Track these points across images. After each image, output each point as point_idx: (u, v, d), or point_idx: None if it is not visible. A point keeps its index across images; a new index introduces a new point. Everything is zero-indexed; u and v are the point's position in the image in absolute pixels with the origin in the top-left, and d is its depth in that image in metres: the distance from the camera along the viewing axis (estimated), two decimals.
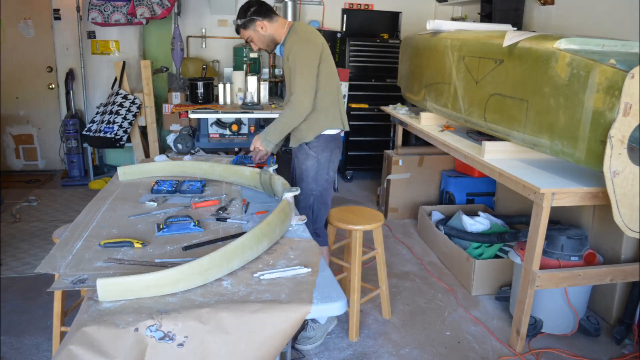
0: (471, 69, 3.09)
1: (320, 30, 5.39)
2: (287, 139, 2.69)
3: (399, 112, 4.23)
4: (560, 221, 3.07)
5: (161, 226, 1.93)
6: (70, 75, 5.17)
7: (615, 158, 2.14)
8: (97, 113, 4.88)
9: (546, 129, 2.47)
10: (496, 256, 3.22)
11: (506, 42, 2.73)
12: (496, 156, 2.81)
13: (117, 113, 4.73)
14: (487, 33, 3.14)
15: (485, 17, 4.52)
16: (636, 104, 2.05)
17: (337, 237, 3.11)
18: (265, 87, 4.54)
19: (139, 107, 4.84)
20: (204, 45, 5.45)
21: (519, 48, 2.66)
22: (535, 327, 2.65)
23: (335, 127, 2.62)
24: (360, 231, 2.59)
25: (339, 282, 1.68)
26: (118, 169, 2.57)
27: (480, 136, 3.23)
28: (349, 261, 2.66)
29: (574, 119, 2.29)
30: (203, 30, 5.40)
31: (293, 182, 2.73)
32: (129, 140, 4.84)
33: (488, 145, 2.83)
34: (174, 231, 1.90)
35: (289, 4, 4.92)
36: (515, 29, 3.32)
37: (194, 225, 1.93)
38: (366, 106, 5.38)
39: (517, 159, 2.79)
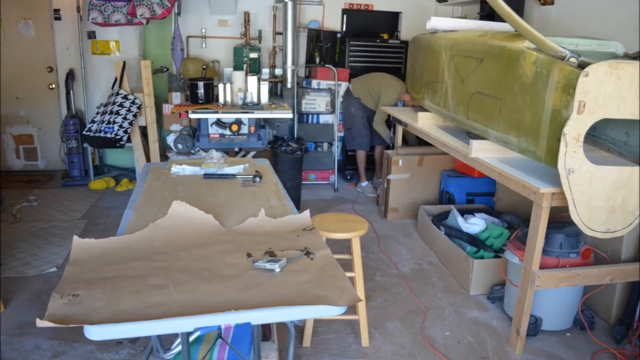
0: (459, 67, 3.08)
1: (320, 31, 5.41)
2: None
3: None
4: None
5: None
6: (70, 76, 5.17)
7: (570, 156, 2.12)
8: (97, 113, 4.88)
9: (514, 126, 2.46)
10: (496, 256, 3.22)
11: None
12: (484, 154, 2.80)
13: (117, 113, 4.73)
14: (474, 32, 3.13)
15: (486, 17, 4.52)
16: (590, 102, 2.05)
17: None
18: (265, 87, 4.54)
19: (139, 107, 4.84)
20: (204, 45, 5.45)
21: (495, 47, 2.65)
22: (535, 326, 2.65)
23: None
24: (358, 239, 2.41)
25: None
26: None
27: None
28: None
29: (537, 117, 2.28)
30: (203, 30, 5.40)
31: None
32: (129, 140, 4.83)
33: (475, 143, 2.82)
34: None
35: (289, 4, 4.92)
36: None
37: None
38: None
39: (509, 157, 2.77)
